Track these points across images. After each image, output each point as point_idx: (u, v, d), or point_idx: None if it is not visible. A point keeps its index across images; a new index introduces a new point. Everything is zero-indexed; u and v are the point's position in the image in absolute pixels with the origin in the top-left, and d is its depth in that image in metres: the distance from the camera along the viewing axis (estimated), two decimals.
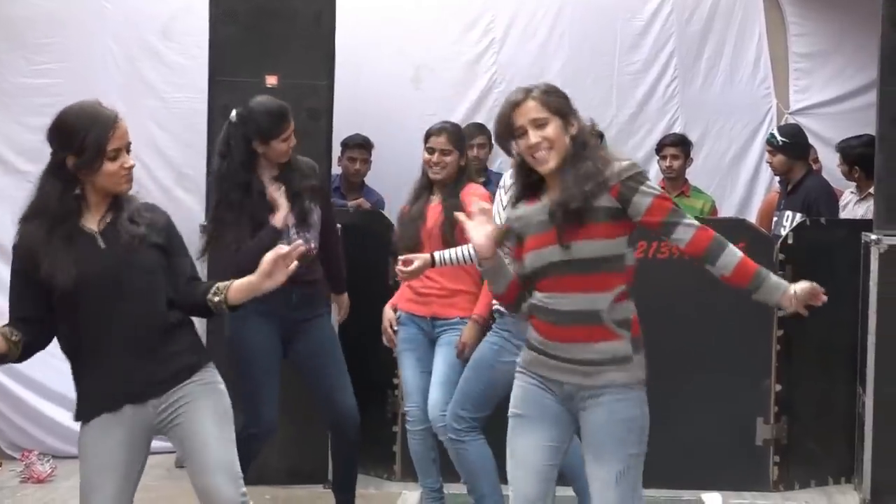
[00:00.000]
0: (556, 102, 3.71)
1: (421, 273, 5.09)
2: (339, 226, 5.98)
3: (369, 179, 7.43)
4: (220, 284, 3.79)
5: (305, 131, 5.64)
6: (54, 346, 6.90)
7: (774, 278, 3.62)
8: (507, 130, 3.73)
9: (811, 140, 7.54)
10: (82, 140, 3.63)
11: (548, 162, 3.66)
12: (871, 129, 6.42)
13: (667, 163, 7.26)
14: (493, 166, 7.60)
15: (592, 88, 7.76)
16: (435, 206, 5.39)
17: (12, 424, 6.87)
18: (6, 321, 3.73)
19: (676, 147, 7.25)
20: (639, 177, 3.63)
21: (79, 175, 3.67)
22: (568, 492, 5.53)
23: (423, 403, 5.36)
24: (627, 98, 7.78)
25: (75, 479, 6.29)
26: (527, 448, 3.73)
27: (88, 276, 3.62)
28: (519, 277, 3.78)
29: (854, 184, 7.19)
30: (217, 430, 3.75)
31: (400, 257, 5.04)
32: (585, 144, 3.72)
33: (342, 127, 6.69)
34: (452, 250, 5.03)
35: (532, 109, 3.68)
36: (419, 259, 5.00)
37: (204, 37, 6.22)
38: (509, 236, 3.83)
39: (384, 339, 5.64)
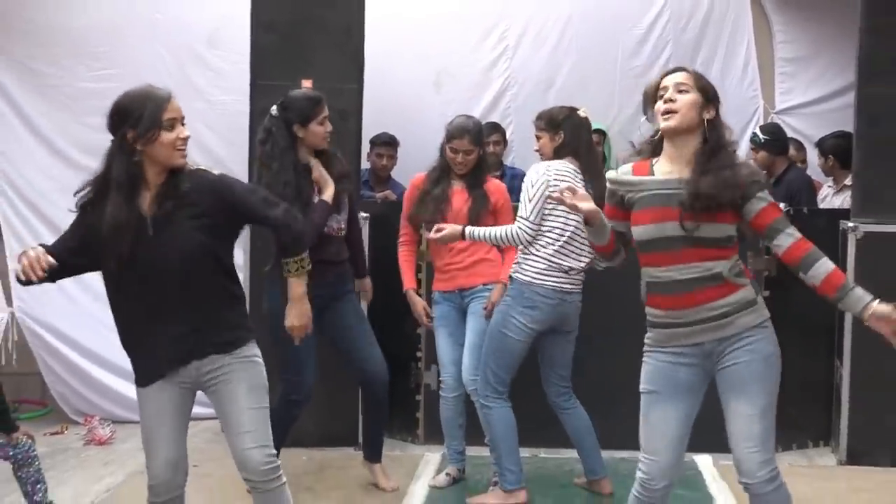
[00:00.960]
0: (705, 83, 3.73)
1: (450, 241, 5.17)
2: (364, 214, 6.04)
3: (395, 173, 7.46)
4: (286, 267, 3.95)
5: (337, 130, 5.67)
6: (112, 319, 7.04)
7: (859, 292, 3.60)
8: (652, 93, 3.75)
9: (799, 138, 7.57)
10: (140, 113, 3.63)
11: (669, 121, 3.67)
12: (849, 127, 6.43)
13: None
14: (507, 161, 7.62)
15: (597, 91, 7.77)
16: (459, 192, 5.46)
17: (76, 392, 6.94)
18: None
19: None
20: (760, 184, 3.65)
21: (138, 147, 3.64)
22: (573, 454, 5.59)
23: (456, 373, 5.45)
24: (628, 100, 7.78)
25: (133, 441, 6.45)
26: (661, 420, 3.76)
27: (136, 263, 3.63)
28: (617, 235, 3.84)
29: (832, 178, 7.21)
30: (250, 400, 3.75)
31: (436, 226, 5.16)
32: (721, 138, 3.69)
33: (370, 126, 6.72)
34: (483, 229, 5.09)
35: (681, 76, 3.71)
36: (449, 227, 5.06)
37: (246, 44, 6.27)
38: (612, 197, 3.84)
39: (421, 322, 5.72)
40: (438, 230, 5.09)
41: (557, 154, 5.17)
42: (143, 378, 3.79)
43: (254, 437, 3.74)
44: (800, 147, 7.47)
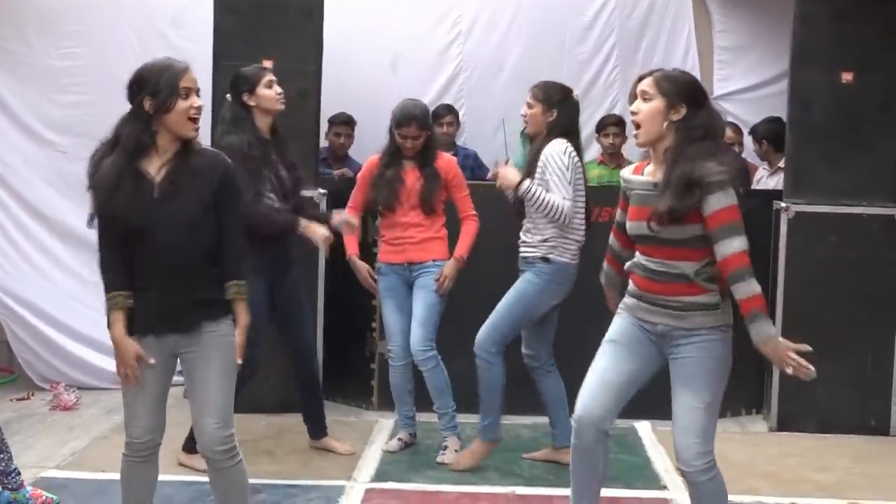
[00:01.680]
0: (667, 86, 3.62)
1: (507, 188, 5.07)
2: (321, 191, 6.00)
3: (352, 152, 7.42)
4: (233, 290, 3.73)
5: (296, 109, 5.63)
6: (80, 291, 6.99)
7: (765, 323, 3.56)
8: (632, 96, 3.73)
9: (737, 123, 7.59)
10: (157, 81, 3.58)
11: (637, 139, 3.68)
12: (783, 112, 6.45)
13: (608, 140, 7.25)
14: (459, 141, 7.58)
15: (546, 75, 7.57)
16: (412, 171, 5.42)
17: (42, 360, 6.84)
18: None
19: (617, 126, 7.24)
20: (722, 184, 3.54)
21: (154, 115, 3.58)
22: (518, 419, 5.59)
23: (403, 342, 5.43)
24: (575, 83, 7.63)
25: (97, 407, 6.38)
26: (610, 363, 3.75)
27: (140, 223, 3.58)
28: (619, 227, 3.89)
29: (766, 162, 7.24)
30: (221, 380, 3.70)
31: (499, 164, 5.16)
32: (690, 138, 3.58)
33: (328, 106, 6.67)
34: (537, 188, 4.97)
35: (645, 84, 3.66)
36: (511, 172, 5.05)
37: (209, 25, 6.19)
38: (622, 192, 3.87)
39: (367, 285, 5.63)
40: (495, 175, 5.09)
41: (549, 131, 5.11)
42: (140, 329, 3.69)
43: (218, 416, 3.68)
44: (737, 130, 7.48)
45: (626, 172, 3.84)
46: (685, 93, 3.63)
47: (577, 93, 5.37)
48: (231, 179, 3.73)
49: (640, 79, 3.72)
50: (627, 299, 3.81)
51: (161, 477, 3.97)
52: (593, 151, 7.59)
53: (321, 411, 5.53)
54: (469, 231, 5.49)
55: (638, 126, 3.65)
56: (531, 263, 5.14)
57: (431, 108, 7.37)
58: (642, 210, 3.66)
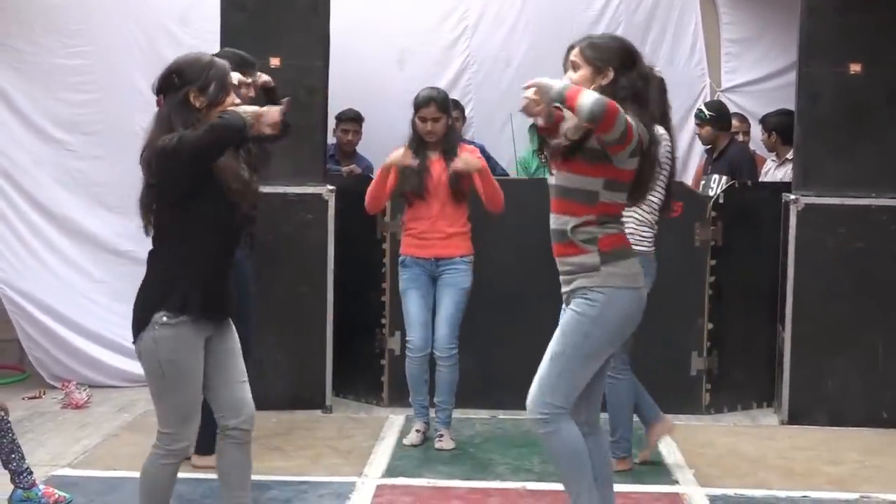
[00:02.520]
0: (593, 55, 3.65)
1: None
2: (330, 187, 5.97)
3: (360, 148, 7.40)
4: None
5: (304, 106, 5.62)
6: (91, 289, 6.99)
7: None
8: (564, 67, 3.75)
9: (746, 115, 7.57)
10: (206, 75, 3.59)
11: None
12: (790, 104, 6.42)
13: None
14: (467, 136, 7.56)
15: (552, 69, 7.46)
16: (437, 161, 5.45)
17: (54, 358, 6.84)
18: None
19: None
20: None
21: (202, 110, 3.57)
22: None
23: (423, 333, 5.48)
24: None
25: (108, 405, 6.38)
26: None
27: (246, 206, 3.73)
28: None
29: (774, 153, 7.22)
30: (240, 356, 3.79)
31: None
32: (615, 98, 3.53)
33: (336, 102, 6.66)
34: None
35: (573, 54, 3.70)
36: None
37: (216, 23, 6.16)
38: None
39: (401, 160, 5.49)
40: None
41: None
42: (212, 311, 3.67)
43: (248, 388, 3.77)
44: (742, 119, 7.46)
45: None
46: (612, 57, 3.66)
47: (659, 69, 5.18)
48: None
49: (570, 49, 3.74)
50: None
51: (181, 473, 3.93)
52: None
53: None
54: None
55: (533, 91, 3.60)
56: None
57: None
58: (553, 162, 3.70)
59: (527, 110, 3.60)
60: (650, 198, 4.84)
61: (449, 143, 5.49)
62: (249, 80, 4.93)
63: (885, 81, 5.97)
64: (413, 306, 5.52)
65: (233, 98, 3.66)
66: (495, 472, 5.15)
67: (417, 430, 5.60)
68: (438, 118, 5.44)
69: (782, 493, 4.89)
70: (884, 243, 6.00)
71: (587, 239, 3.61)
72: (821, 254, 6.01)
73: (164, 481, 3.71)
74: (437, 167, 5.45)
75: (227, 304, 3.73)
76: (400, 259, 5.60)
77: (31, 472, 4.57)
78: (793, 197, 6.02)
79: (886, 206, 5.99)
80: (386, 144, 7.28)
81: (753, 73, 7.88)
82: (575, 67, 3.68)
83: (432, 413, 5.63)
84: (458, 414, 5.80)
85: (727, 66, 7.91)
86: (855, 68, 5.98)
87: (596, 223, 3.61)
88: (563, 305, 3.75)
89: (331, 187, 6.15)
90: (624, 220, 4.82)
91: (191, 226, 3.58)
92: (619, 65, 3.63)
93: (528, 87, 3.55)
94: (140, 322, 3.62)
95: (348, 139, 7.31)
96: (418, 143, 5.50)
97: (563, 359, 3.62)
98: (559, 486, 4.90)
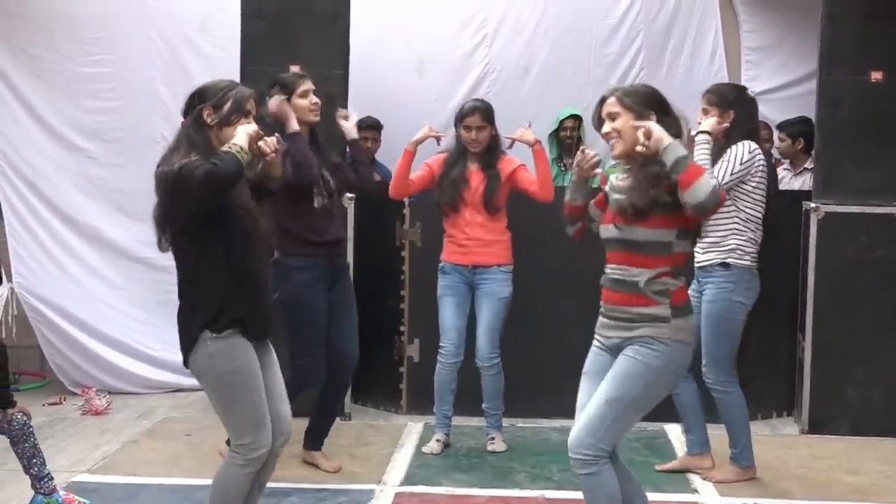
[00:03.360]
0: (630, 102, 3.67)
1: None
2: (349, 195, 6.02)
3: (379, 156, 7.40)
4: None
5: (323, 114, 5.61)
6: (111, 296, 7.05)
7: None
8: (597, 120, 3.78)
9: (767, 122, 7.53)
10: (224, 95, 3.66)
11: (614, 148, 3.69)
12: (810, 113, 6.40)
13: None
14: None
15: (572, 77, 7.72)
16: (476, 172, 5.52)
17: (74, 365, 6.87)
18: None
19: None
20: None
21: (212, 128, 3.64)
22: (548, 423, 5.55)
23: (456, 340, 5.52)
24: (601, 85, 7.66)
25: (128, 412, 6.40)
26: (586, 398, 3.76)
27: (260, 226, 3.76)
28: (588, 214, 3.89)
29: (787, 161, 7.18)
30: (280, 373, 3.87)
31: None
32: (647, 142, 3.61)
33: (355, 110, 6.65)
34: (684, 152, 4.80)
35: (610, 104, 3.71)
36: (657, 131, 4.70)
37: (236, 31, 6.20)
38: (605, 192, 3.85)
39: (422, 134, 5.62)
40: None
41: (731, 134, 4.96)
42: (260, 335, 3.76)
43: (288, 405, 3.87)
44: (765, 127, 7.42)
45: (614, 177, 3.80)
46: (651, 102, 3.70)
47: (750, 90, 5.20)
48: None
49: (602, 101, 3.77)
50: (598, 320, 3.82)
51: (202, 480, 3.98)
52: None
53: (328, 426, 5.38)
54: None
55: (616, 139, 3.67)
56: (709, 272, 5.01)
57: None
58: (611, 214, 3.72)
59: (617, 149, 3.70)
60: (754, 213, 4.97)
61: (490, 155, 5.55)
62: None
63: None
64: (448, 313, 5.55)
65: (248, 121, 3.67)
66: (514, 481, 5.15)
67: (438, 440, 5.61)
68: (483, 127, 5.50)
69: None
70: None
71: (661, 291, 3.63)
72: (841, 262, 5.99)
73: (242, 490, 3.75)
74: (476, 178, 5.51)
75: (269, 324, 3.81)
76: (440, 265, 5.62)
77: (51, 478, 4.59)
78: (813, 205, 6.00)
79: None
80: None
81: (774, 81, 7.85)
82: (612, 117, 3.69)
83: (457, 422, 5.62)
84: (476, 422, 5.81)
85: (747, 73, 7.88)
86: (876, 76, 5.97)
87: (671, 274, 3.65)
88: (601, 346, 3.77)
89: (350, 195, 6.16)
90: (726, 234, 4.92)
91: (213, 248, 3.62)
92: (657, 109, 3.68)
93: (639, 127, 3.59)
94: (189, 344, 3.65)
95: (367, 147, 7.30)
96: (459, 154, 5.56)
97: (621, 405, 3.63)
98: (578, 495, 4.90)
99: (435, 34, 7.77)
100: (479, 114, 5.50)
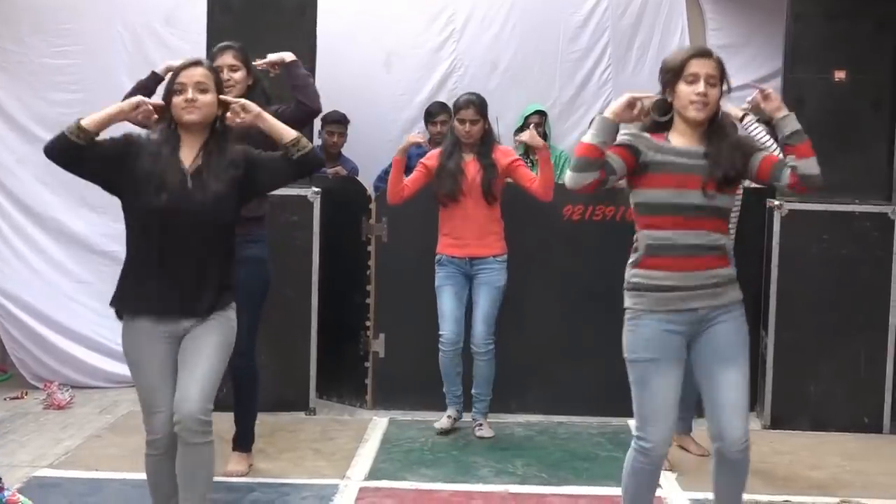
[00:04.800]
0: (724, 71, 3.69)
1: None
2: (315, 189, 5.99)
3: (345, 150, 7.39)
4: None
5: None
6: (74, 290, 7.00)
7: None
8: (677, 71, 3.67)
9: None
10: (172, 76, 3.86)
11: (701, 112, 3.62)
12: None
13: None
14: None
15: (538, 73, 7.73)
16: (472, 163, 5.69)
17: (35, 359, 6.82)
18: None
19: None
20: (754, 142, 3.87)
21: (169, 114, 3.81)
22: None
23: (455, 329, 5.70)
24: (568, 81, 7.74)
25: (91, 406, 6.37)
26: (663, 388, 3.66)
27: (172, 208, 3.69)
28: (608, 176, 3.64)
29: None
30: (213, 353, 3.78)
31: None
32: (723, 115, 3.76)
33: (322, 104, 6.60)
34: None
35: (711, 67, 3.65)
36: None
37: (202, 24, 6.17)
38: (626, 147, 3.67)
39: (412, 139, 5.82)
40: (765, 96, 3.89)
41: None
42: (135, 310, 3.78)
43: (200, 388, 3.73)
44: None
45: (645, 136, 3.69)
46: (728, 80, 3.74)
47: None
48: (249, 153, 3.89)
49: (698, 55, 3.68)
50: (646, 298, 3.67)
51: None
52: None
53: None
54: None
55: (704, 105, 3.61)
56: None
57: (425, 107, 7.39)
58: (687, 177, 3.61)
59: (755, 103, 3.79)
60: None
61: (484, 146, 5.72)
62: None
63: (870, 89, 6.02)
64: (447, 302, 5.73)
65: (182, 97, 3.76)
66: (478, 476, 5.16)
67: (449, 416, 5.82)
68: (476, 120, 5.71)
69: (763, 498, 4.90)
70: (867, 250, 6.04)
71: (730, 251, 3.77)
72: (804, 260, 6.05)
73: (152, 473, 3.88)
74: (472, 168, 5.69)
75: (164, 304, 3.75)
76: (437, 258, 5.77)
77: None
78: (777, 203, 6.05)
79: (870, 213, 6.03)
80: (372, 146, 7.34)
81: (739, 79, 7.75)
82: (711, 82, 3.64)
83: (422, 417, 5.64)
84: (439, 417, 5.83)
85: None
86: (840, 75, 6.02)
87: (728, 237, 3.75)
88: (674, 325, 3.64)
89: (316, 189, 6.16)
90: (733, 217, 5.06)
91: (127, 223, 3.81)
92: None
93: (766, 92, 3.72)
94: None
95: (333, 141, 7.30)
96: (454, 145, 5.72)
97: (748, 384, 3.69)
98: (542, 489, 4.94)
99: (403, 28, 7.75)
100: (473, 107, 5.72)
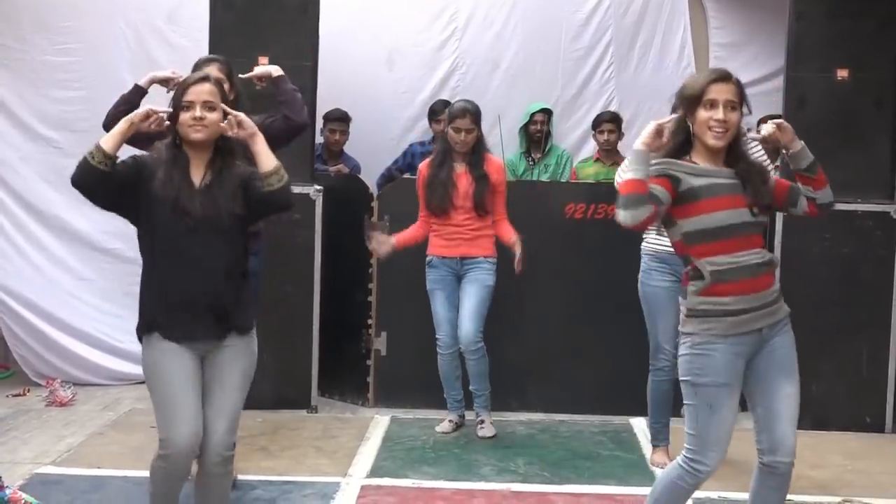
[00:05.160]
0: (745, 96, 3.65)
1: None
2: (317, 187, 5.98)
3: (347, 148, 7.39)
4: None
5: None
6: (77, 287, 7.01)
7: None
8: (696, 97, 3.60)
9: None
10: (173, 99, 3.75)
11: (720, 140, 3.57)
12: (778, 109, 6.43)
13: (604, 137, 7.21)
14: None
15: (541, 72, 7.74)
16: (464, 174, 5.62)
17: (38, 356, 6.82)
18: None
19: (611, 123, 7.22)
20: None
21: (175, 128, 3.72)
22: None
23: (451, 332, 5.67)
24: (570, 80, 7.75)
25: (93, 403, 6.37)
26: (731, 412, 3.63)
27: (190, 228, 3.63)
28: (659, 207, 3.56)
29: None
30: (238, 388, 3.75)
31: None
32: (740, 135, 3.70)
33: (324, 102, 6.65)
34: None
35: (731, 92, 3.60)
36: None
37: (204, 22, 6.16)
38: (664, 175, 3.58)
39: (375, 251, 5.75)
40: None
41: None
42: (175, 336, 3.69)
43: (228, 423, 3.71)
44: None
45: (676, 162, 3.61)
46: (748, 103, 3.70)
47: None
48: (247, 172, 3.78)
49: (718, 80, 3.62)
50: (717, 324, 3.57)
51: None
52: (589, 149, 7.59)
53: None
54: (507, 227, 5.68)
55: (725, 132, 3.57)
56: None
57: (427, 105, 7.40)
58: (736, 198, 3.58)
59: (768, 134, 3.73)
60: None
61: (475, 155, 5.66)
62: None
63: (872, 87, 6.01)
64: (440, 307, 5.70)
65: (190, 114, 3.67)
66: (480, 474, 5.16)
67: (451, 421, 5.80)
68: (472, 129, 5.62)
69: None
70: (869, 249, 6.03)
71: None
72: (806, 259, 6.04)
73: (159, 484, 3.78)
74: (464, 181, 5.62)
75: (186, 329, 3.68)
76: (427, 259, 5.73)
77: None
78: None
79: (872, 212, 6.02)
80: (373, 144, 7.36)
81: (741, 78, 7.74)
82: (732, 106, 3.59)
83: (423, 415, 5.64)
84: (441, 416, 5.83)
85: None
86: (842, 74, 6.01)
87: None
88: (737, 348, 3.58)
89: (318, 187, 6.16)
90: None
91: (142, 249, 3.75)
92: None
93: (778, 122, 3.71)
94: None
95: (336, 139, 7.30)
96: (444, 154, 5.67)
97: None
98: (543, 488, 4.94)
99: (405, 27, 7.76)
100: (469, 116, 5.62)
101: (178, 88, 3.75)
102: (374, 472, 5.16)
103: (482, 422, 5.75)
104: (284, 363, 6.07)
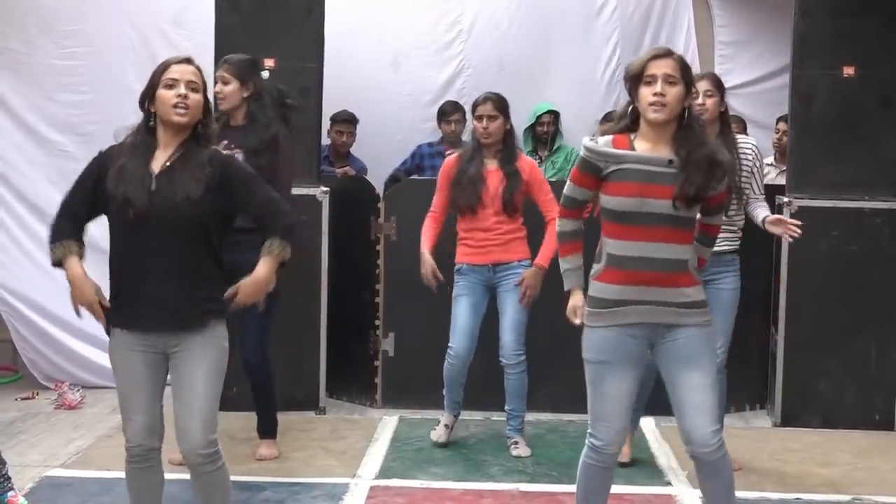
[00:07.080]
0: (688, 74, 3.62)
1: None
2: (324, 189, 5.98)
3: (354, 149, 7.39)
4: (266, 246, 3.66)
5: (298, 107, 5.61)
6: None
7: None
8: (637, 75, 3.61)
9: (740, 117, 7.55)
10: (151, 78, 3.67)
11: (659, 114, 3.54)
12: (784, 107, 6.44)
13: None
14: (465, 138, 7.54)
15: (547, 73, 7.72)
16: (494, 172, 5.38)
17: (47, 359, 6.82)
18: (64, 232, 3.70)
19: None
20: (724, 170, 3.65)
21: (149, 107, 3.64)
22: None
23: (466, 343, 5.39)
24: (577, 81, 7.74)
25: (102, 406, 6.36)
26: (615, 389, 3.64)
27: (135, 211, 3.52)
28: (580, 204, 3.75)
29: (772, 157, 7.20)
30: (207, 383, 3.63)
31: None
32: (695, 119, 3.69)
33: (330, 104, 6.65)
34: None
35: (669, 66, 3.58)
36: None
37: (210, 24, 6.16)
38: (586, 165, 3.65)
39: (427, 281, 5.47)
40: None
41: (723, 120, 5.01)
42: (125, 324, 3.67)
43: (201, 422, 3.62)
44: (738, 121, 7.43)
45: (604, 147, 3.63)
46: (692, 80, 3.67)
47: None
48: (230, 170, 3.68)
49: (656, 57, 3.62)
50: (605, 309, 3.62)
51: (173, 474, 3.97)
52: None
53: (260, 416, 5.39)
54: (551, 237, 5.15)
55: (662, 106, 3.55)
56: (725, 259, 4.97)
57: (435, 106, 7.38)
58: (648, 187, 3.53)
59: None
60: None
61: (507, 150, 5.43)
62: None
63: (878, 84, 5.99)
64: (462, 314, 5.42)
65: (174, 92, 3.59)
66: (488, 474, 5.15)
67: (446, 426, 5.59)
68: (494, 117, 5.37)
69: (775, 496, 4.90)
70: (877, 246, 6.02)
71: (695, 268, 3.66)
72: (814, 256, 6.03)
73: (131, 480, 3.85)
74: (495, 178, 5.36)
75: (143, 324, 3.63)
76: (456, 268, 5.47)
77: (8, 479, 4.45)
78: (786, 199, 6.03)
79: (879, 209, 6.01)
80: (379, 146, 7.37)
81: (747, 76, 7.87)
82: (670, 80, 3.56)
83: (432, 415, 5.62)
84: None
85: (721, 68, 7.89)
86: (848, 71, 6.00)
87: (692, 251, 3.66)
88: (633, 332, 3.61)
89: (325, 188, 6.15)
90: (740, 220, 5.02)
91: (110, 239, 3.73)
92: (691, 88, 3.66)
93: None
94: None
95: (342, 140, 7.30)
96: (475, 150, 5.43)
97: (716, 382, 3.69)
98: (552, 487, 4.93)
99: (410, 28, 7.75)
100: (491, 103, 5.38)
101: (159, 67, 3.67)
102: (383, 472, 5.15)
103: (516, 442, 5.46)
104: (292, 365, 6.07)
